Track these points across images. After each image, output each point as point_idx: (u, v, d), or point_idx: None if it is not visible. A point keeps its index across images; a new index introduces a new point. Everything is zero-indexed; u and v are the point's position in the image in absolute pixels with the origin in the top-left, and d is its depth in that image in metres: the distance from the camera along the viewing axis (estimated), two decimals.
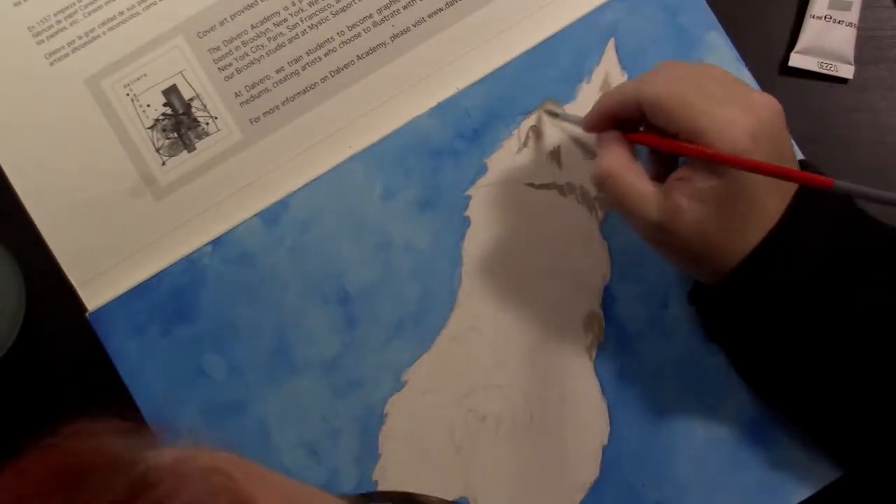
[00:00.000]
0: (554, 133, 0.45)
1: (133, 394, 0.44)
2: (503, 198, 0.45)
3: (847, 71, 0.46)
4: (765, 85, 0.45)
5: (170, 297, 0.44)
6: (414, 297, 0.44)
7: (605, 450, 0.44)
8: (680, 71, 0.38)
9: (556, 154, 0.45)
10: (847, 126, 0.47)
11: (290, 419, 0.44)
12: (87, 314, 0.44)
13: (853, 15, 0.46)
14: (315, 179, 0.45)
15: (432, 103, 0.45)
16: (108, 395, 0.45)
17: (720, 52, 0.45)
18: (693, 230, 0.36)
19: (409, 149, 0.45)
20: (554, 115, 0.44)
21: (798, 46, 0.46)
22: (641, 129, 0.40)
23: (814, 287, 0.36)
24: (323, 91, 0.46)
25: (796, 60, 0.46)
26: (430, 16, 0.46)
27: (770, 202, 0.36)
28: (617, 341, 0.44)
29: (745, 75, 0.45)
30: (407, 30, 0.46)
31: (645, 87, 0.37)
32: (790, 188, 0.36)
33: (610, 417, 0.44)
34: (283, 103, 0.46)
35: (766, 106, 0.36)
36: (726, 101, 0.36)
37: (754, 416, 0.44)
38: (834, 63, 0.46)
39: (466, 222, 0.45)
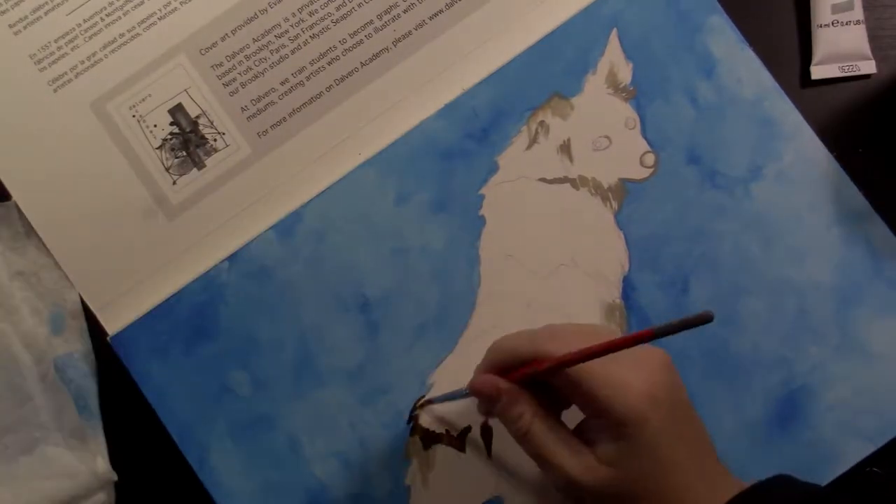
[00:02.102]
0: (563, 127, 0.45)
1: (160, 414, 0.43)
2: (517, 195, 0.45)
3: (869, 66, 0.46)
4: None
5: (190, 315, 0.44)
6: (434, 300, 0.44)
7: None
8: (569, 331, 0.36)
9: (566, 148, 0.45)
10: (881, 119, 0.46)
11: (319, 430, 0.44)
12: (108, 338, 0.44)
13: (857, 12, 0.46)
14: (327, 188, 0.45)
15: (439, 105, 0.45)
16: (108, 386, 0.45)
17: (723, 34, 0.45)
18: (606, 487, 0.34)
19: (420, 152, 0.45)
20: (429, 402, 0.44)
21: (816, 59, 0.46)
22: None
23: None
24: (329, 100, 0.46)
25: (818, 72, 0.46)
26: (430, 18, 0.46)
27: (677, 454, 0.34)
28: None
29: (749, 56, 0.45)
30: (409, 33, 0.46)
31: (543, 345, 0.35)
32: (696, 439, 0.35)
33: None
34: (289, 115, 0.46)
35: (655, 360, 0.35)
36: (616, 360, 0.33)
37: (783, 397, 0.44)
38: (854, 63, 0.46)
39: (482, 221, 0.45)
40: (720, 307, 0.44)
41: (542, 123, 0.45)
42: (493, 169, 0.45)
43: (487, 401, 0.37)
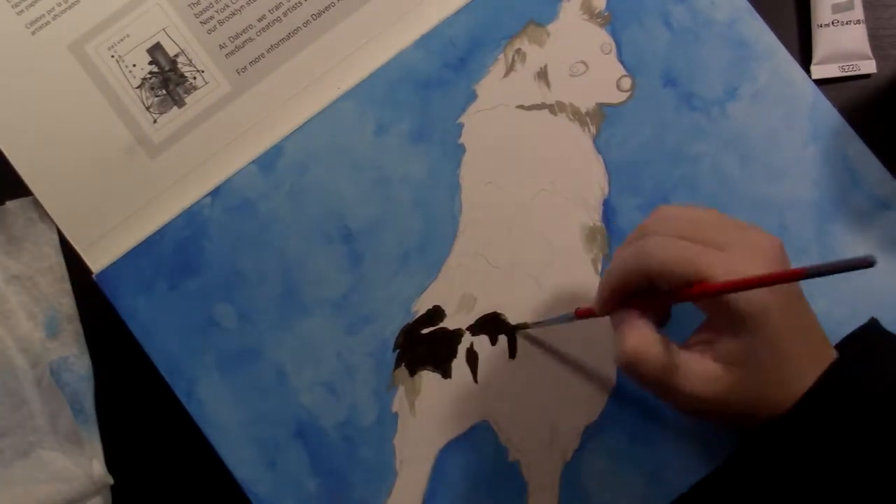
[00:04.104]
0: (539, 54, 0.46)
1: (147, 350, 0.44)
2: (495, 122, 0.45)
3: (869, 66, 0.46)
4: None
5: (174, 251, 0.44)
6: (416, 229, 0.45)
7: None
8: (675, 225, 0.35)
9: (542, 74, 0.45)
10: (882, 118, 0.46)
11: (306, 360, 0.44)
12: (93, 276, 0.44)
13: (858, 12, 0.46)
14: (307, 122, 0.45)
15: (416, 36, 0.45)
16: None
17: None
18: (730, 392, 0.35)
19: (398, 82, 0.45)
20: (525, 327, 0.44)
21: (816, 58, 0.46)
22: None
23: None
24: (307, 35, 0.46)
25: (818, 72, 0.46)
26: None
27: (794, 345, 0.35)
28: None
29: None
30: None
31: (647, 258, 0.34)
32: (811, 328, 0.36)
33: None
34: (268, 51, 0.46)
35: (771, 247, 0.35)
36: (731, 248, 0.34)
37: None
38: (854, 63, 0.46)
39: (461, 150, 0.45)
40: None
41: (518, 51, 0.46)
42: (472, 97, 0.45)
43: (605, 312, 0.37)
